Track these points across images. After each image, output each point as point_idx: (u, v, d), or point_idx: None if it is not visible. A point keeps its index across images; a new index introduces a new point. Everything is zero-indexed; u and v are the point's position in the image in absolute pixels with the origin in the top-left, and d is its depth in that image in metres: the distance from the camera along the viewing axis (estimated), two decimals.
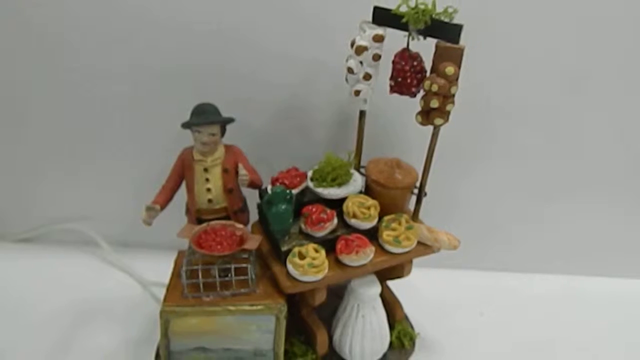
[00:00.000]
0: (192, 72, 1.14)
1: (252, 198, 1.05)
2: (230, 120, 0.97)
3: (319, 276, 0.90)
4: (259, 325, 0.92)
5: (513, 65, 1.15)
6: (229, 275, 0.91)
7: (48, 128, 1.23)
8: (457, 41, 0.82)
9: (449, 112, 0.88)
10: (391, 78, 0.94)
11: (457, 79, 0.85)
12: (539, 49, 1.14)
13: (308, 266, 0.88)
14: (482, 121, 1.21)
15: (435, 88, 0.84)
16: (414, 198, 1.03)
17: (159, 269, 1.04)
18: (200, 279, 0.89)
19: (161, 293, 0.94)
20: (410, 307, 1.15)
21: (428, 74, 0.89)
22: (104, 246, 1.32)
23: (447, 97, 0.86)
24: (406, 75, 0.91)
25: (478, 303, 1.29)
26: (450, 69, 0.83)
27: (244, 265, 0.91)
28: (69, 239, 1.35)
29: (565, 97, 1.20)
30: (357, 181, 1.03)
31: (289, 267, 0.90)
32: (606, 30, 1.13)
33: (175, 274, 0.97)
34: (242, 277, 0.91)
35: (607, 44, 1.14)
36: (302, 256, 0.90)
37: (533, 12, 1.10)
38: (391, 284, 1.12)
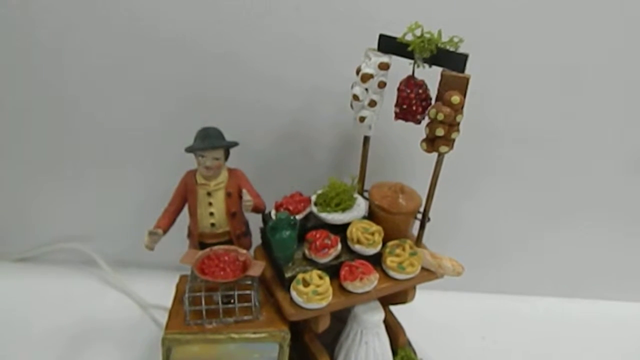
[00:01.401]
0: (197, 96, 1.14)
1: (254, 221, 1.04)
2: (234, 144, 0.97)
3: (323, 304, 0.88)
4: (262, 353, 0.91)
5: (514, 90, 1.16)
6: (232, 302, 0.90)
7: (49, 146, 1.22)
8: (462, 70, 0.82)
9: (454, 140, 0.88)
10: (396, 105, 0.94)
11: (462, 108, 0.85)
12: (540, 72, 1.15)
13: (312, 293, 0.87)
14: (483, 145, 1.21)
15: (441, 117, 0.84)
16: (417, 223, 1.02)
17: (160, 291, 1.05)
18: (203, 305, 0.89)
19: (161, 315, 0.94)
20: (411, 330, 1.12)
21: (433, 101, 0.89)
22: (103, 266, 1.31)
23: (452, 126, 0.86)
24: (411, 103, 0.90)
25: (480, 326, 1.28)
26: (455, 98, 0.82)
27: (248, 291, 0.90)
28: (68, 259, 1.34)
29: (566, 121, 1.20)
30: (361, 206, 1.02)
31: (293, 294, 0.89)
32: (610, 53, 1.13)
33: (177, 299, 0.96)
34: (245, 304, 0.90)
35: (610, 67, 1.14)
36: (306, 283, 0.89)
37: (535, 37, 1.10)
38: (392, 307, 1.11)
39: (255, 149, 1.19)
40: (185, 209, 1.00)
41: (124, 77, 1.13)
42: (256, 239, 1.06)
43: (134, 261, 1.32)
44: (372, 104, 0.95)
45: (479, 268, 1.26)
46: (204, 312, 0.89)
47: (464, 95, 0.83)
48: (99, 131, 1.20)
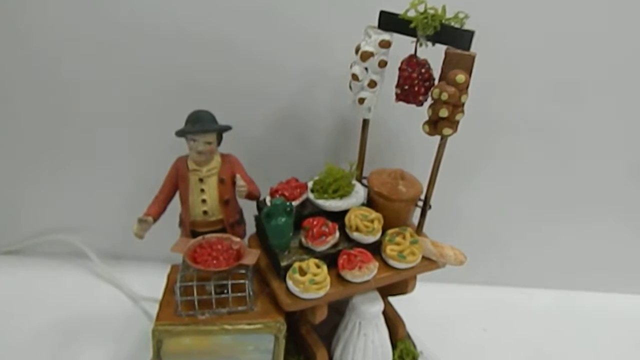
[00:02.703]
0: (188, 81, 1.12)
1: (248, 209, 1.02)
2: (227, 128, 0.94)
3: (321, 293, 0.86)
4: (257, 345, 0.89)
5: (518, 75, 1.14)
6: (226, 291, 0.87)
7: (36, 136, 1.20)
8: (468, 48, 0.79)
9: (458, 122, 0.85)
10: (397, 86, 0.91)
11: (467, 88, 0.82)
12: (543, 60, 1.13)
13: (309, 283, 0.85)
14: (484, 133, 1.19)
15: (444, 97, 0.81)
16: (417, 211, 1.00)
17: (152, 283, 1.01)
18: (195, 296, 0.86)
19: (154, 309, 0.91)
20: (410, 323, 1.11)
21: (436, 82, 0.86)
22: (93, 259, 1.29)
23: (456, 107, 0.83)
24: (413, 83, 0.88)
25: (481, 318, 1.26)
26: (461, 77, 0.80)
27: (241, 281, 0.87)
28: (57, 251, 1.32)
29: (570, 111, 1.18)
30: (360, 193, 1.00)
31: (289, 283, 0.87)
32: (612, 44, 1.11)
33: (169, 290, 0.93)
34: (239, 294, 0.87)
35: (612, 58, 1.13)
36: (303, 272, 0.87)
37: (543, 18, 1.08)
38: (391, 299, 1.09)
39: (249, 134, 1.16)
40: (177, 197, 0.97)
41: (111, 64, 1.11)
42: (250, 228, 1.03)
43: (125, 253, 1.31)
44: (372, 84, 0.91)
45: (479, 259, 1.22)
46: (196, 303, 0.86)
47: (470, 75, 0.81)
48: (87, 119, 1.17)
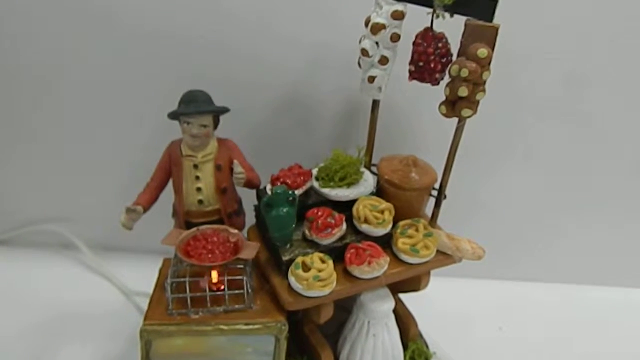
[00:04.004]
0: (182, 59, 1.08)
1: (248, 199, 0.98)
2: (225, 110, 0.90)
3: (327, 291, 0.82)
4: (255, 347, 0.86)
5: (544, 54, 1.09)
6: (222, 288, 0.84)
7: (23, 121, 1.17)
8: (491, 19, 0.74)
9: (478, 102, 0.80)
10: (411, 62, 0.85)
11: (489, 64, 0.76)
12: (576, 37, 1.08)
13: (314, 279, 0.80)
14: (505, 116, 1.15)
15: (465, 73, 0.75)
16: (431, 201, 0.96)
17: (146, 277, 0.97)
18: (188, 293, 0.83)
19: (146, 304, 0.87)
20: (422, 321, 1.07)
21: (455, 58, 0.81)
22: (84, 250, 1.27)
23: (477, 85, 0.77)
24: (429, 59, 0.82)
25: (496, 316, 1.23)
26: (483, 51, 0.74)
27: (239, 277, 0.84)
28: (45, 242, 1.30)
29: (603, 97, 1.14)
30: (369, 181, 0.96)
31: (292, 280, 0.83)
32: None
33: (160, 286, 0.90)
34: (236, 291, 0.84)
35: None
36: (306, 267, 0.83)
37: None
38: (401, 295, 1.05)
39: (249, 117, 1.13)
40: (170, 185, 0.94)
41: (98, 45, 1.08)
42: (250, 219, 1.00)
43: (117, 244, 1.29)
44: (384, 61, 0.86)
45: (495, 253, 1.20)
46: (189, 301, 0.83)
47: (493, 49, 0.75)
48: (77, 103, 1.15)
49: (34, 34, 1.06)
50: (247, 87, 1.10)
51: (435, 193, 0.94)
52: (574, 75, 1.11)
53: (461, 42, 0.77)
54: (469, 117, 0.81)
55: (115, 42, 1.07)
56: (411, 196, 0.92)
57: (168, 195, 0.95)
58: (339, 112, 1.15)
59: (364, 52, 0.86)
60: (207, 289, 0.83)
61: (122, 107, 1.14)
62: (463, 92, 0.77)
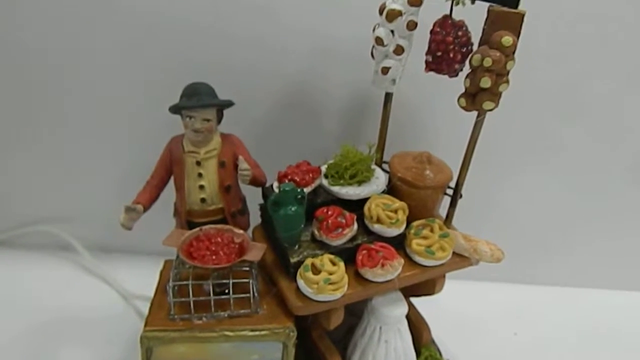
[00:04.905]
0: (182, 52, 1.06)
1: (252, 198, 0.96)
2: (229, 103, 0.88)
3: (338, 295, 0.79)
4: (262, 354, 0.84)
5: (567, 47, 1.07)
6: (226, 292, 0.82)
7: (18, 120, 1.16)
8: (516, 5, 0.71)
9: (500, 94, 0.76)
10: (428, 52, 0.82)
11: (514, 53, 0.73)
12: (600, 28, 1.05)
13: (324, 282, 0.78)
14: (525, 111, 1.12)
15: (488, 63, 0.72)
16: (445, 200, 0.94)
17: (145, 280, 0.97)
18: (191, 297, 0.80)
19: (146, 307, 0.86)
20: (434, 326, 1.03)
21: (475, 48, 0.78)
22: (81, 251, 1.26)
23: (500, 75, 0.74)
24: (448, 49, 0.79)
25: (512, 322, 1.22)
26: (507, 39, 0.70)
27: (245, 280, 0.82)
28: (41, 243, 1.29)
29: (628, 94, 1.12)
30: (380, 179, 0.93)
31: (300, 283, 0.80)
32: None
33: (160, 289, 0.88)
34: (242, 295, 0.82)
35: None
36: (316, 270, 0.80)
37: None
38: (413, 299, 1.02)
39: (251, 112, 1.11)
40: (171, 183, 0.92)
41: (98, 38, 1.06)
42: (255, 219, 0.98)
43: (116, 246, 1.29)
44: (399, 50, 0.83)
45: (510, 255, 1.20)
46: (191, 305, 0.81)
47: (518, 37, 0.72)
48: (75, 103, 1.13)
49: (31, 33, 1.05)
50: (251, 79, 1.09)
51: (450, 192, 0.91)
52: (598, 72, 1.09)
53: (483, 30, 0.74)
54: (490, 109, 0.78)
55: (114, 34, 1.05)
56: (425, 195, 0.90)
57: (169, 194, 0.93)
58: (348, 106, 1.13)
59: (378, 41, 0.82)
60: (211, 292, 0.81)
61: (121, 105, 1.13)
62: (485, 82, 0.74)
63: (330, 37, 1.05)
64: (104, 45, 1.06)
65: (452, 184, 0.91)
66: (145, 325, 0.81)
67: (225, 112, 0.89)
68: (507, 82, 0.75)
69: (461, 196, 0.91)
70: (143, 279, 0.99)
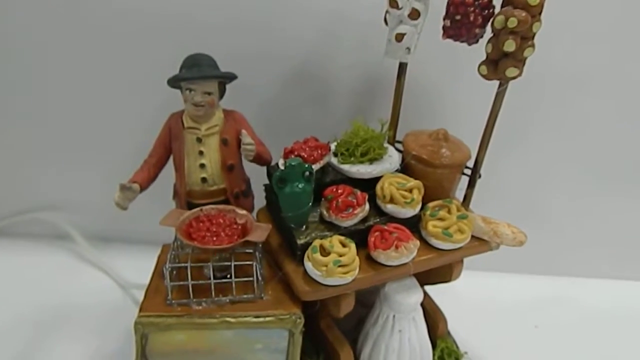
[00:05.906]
0: (181, 26, 1.03)
1: (257, 178, 0.93)
2: (231, 76, 0.84)
3: (348, 278, 0.75)
4: (266, 343, 0.80)
5: (577, 18, 1.03)
6: (228, 276, 0.78)
7: (15, 109, 1.15)
8: None
9: (525, 60, 0.72)
10: (446, 16, 0.78)
11: (540, 13, 0.68)
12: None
13: (334, 264, 0.73)
14: (534, 90, 1.07)
15: (513, 23, 0.67)
16: (462, 180, 0.90)
17: (143, 269, 0.94)
18: (190, 280, 0.77)
19: None
20: (450, 318, 1.01)
21: (496, 11, 0.73)
22: (79, 240, 1.26)
23: (526, 39, 0.70)
24: (468, 11, 0.74)
25: (532, 314, 1.18)
26: None
27: (248, 262, 0.78)
28: (37, 232, 1.28)
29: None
30: (393, 157, 0.90)
31: (308, 265, 0.76)
32: None
33: (157, 273, 0.85)
34: (245, 279, 0.78)
35: None
36: (325, 252, 0.76)
37: None
38: (428, 288, 0.99)
39: (258, 87, 1.08)
40: (170, 166, 0.89)
41: (92, 22, 1.04)
42: (259, 202, 0.95)
43: (114, 234, 1.27)
44: (414, 14, 0.79)
45: (530, 244, 1.17)
46: (190, 289, 0.77)
47: None
48: (70, 89, 1.11)
49: (19, 15, 1.03)
50: (256, 58, 1.06)
51: (468, 172, 0.87)
52: (619, 47, 1.06)
53: None
54: (514, 77, 0.73)
55: (112, 17, 1.03)
56: (441, 174, 0.86)
57: (169, 181, 0.90)
58: (356, 87, 1.10)
59: (393, 3, 0.79)
60: (212, 276, 0.77)
61: (117, 88, 1.10)
62: (509, 45, 0.69)
63: (338, 16, 1.02)
64: (98, 29, 1.04)
65: (470, 163, 0.87)
66: (140, 310, 0.77)
67: (232, 94, 0.86)
68: (533, 46, 0.71)
69: (480, 176, 0.87)
70: (141, 268, 0.97)
